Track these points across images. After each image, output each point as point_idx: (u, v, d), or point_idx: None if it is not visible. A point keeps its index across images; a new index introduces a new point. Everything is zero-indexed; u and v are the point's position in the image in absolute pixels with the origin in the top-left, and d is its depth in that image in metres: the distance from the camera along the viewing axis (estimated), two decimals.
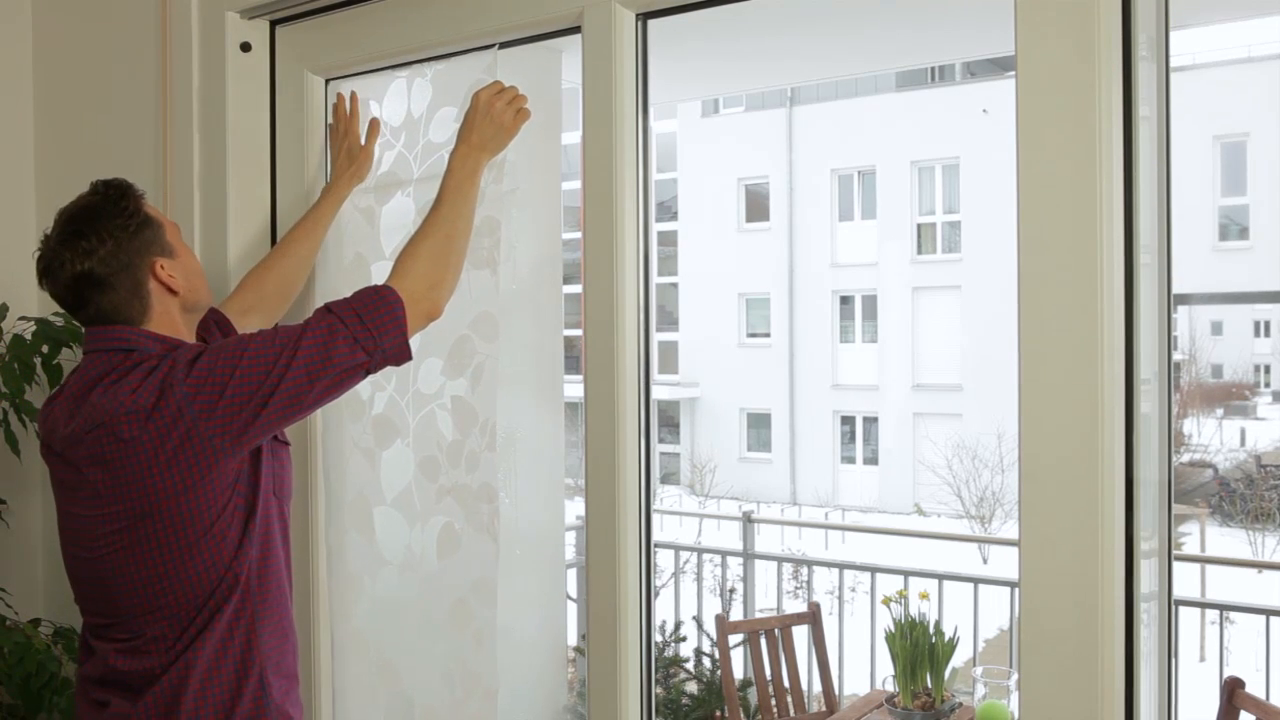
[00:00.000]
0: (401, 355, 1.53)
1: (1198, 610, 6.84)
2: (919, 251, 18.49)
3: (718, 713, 4.22)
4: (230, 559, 1.50)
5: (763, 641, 3.98)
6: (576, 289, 1.75)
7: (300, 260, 1.92)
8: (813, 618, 4.22)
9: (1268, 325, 17.76)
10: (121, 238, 1.51)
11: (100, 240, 1.50)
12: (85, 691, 1.58)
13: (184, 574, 1.48)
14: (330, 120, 2.04)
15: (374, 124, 1.97)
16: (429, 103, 1.92)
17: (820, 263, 19.20)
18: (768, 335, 19.93)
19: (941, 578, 4.75)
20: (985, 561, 12.51)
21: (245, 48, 2.10)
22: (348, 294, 1.92)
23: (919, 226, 18.51)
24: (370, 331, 1.49)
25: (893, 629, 3.23)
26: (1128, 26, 1.28)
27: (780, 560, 5.96)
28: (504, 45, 1.82)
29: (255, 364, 1.45)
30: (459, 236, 1.61)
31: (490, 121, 1.66)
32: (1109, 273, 1.26)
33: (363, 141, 1.97)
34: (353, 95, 2.00)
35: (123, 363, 1.49)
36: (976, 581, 4.76)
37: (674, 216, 20.67)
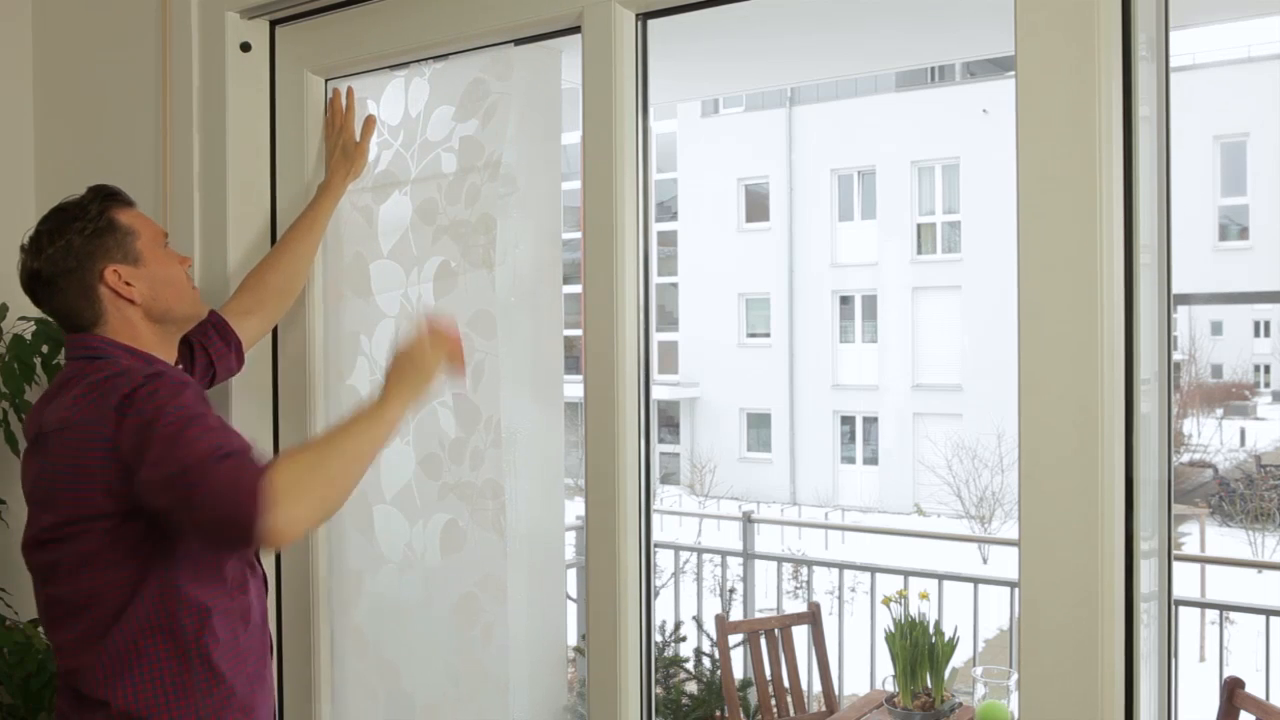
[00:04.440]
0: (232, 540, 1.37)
1: (1198, 610, 6.83)
2: (919, 251, 18.49)
3: (718, 713, 4.22)
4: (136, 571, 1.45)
5: (763, 641, 3.98)
6: (576, 289, 1.75)
7: (301, 260, 1.92)
8: (813, 618, 4.22)
9: (1268, 325, 17.76)
10: (75, 240, 1.52)
11: (51, 241, 1.53)
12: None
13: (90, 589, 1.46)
14: (326, 115, 2.04)
15: (370, 121, 1.98)
16: (426, 101, 1.92)
17: (820, 263, 19.19)
18: (768, 335, 19.92)
19: (941, 578, 4.75)
20: (985, 561, 12.50)
21: (245, 48, 2.10)
22: (346, 291, 1.93)
23: (919, 226, 18.50)
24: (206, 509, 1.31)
25: (893, 629, 3.23)
26: (1128, 26, 1.28)
27: (780, 560, 5.96)
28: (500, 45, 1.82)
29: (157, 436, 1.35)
30: (351, 467, 1.39)
31: (410, 357, 1.48)
32: (1109, 273, 1.26)
33: (357, 139, 1.98)
34: (349, 91, 2.00)
35: (85, 369, 1.50)
36: (976, 581, 4.76)
37: (674, 216, 20.67)
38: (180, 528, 1.41)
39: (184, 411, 1.37)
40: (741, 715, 3.94)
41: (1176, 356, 15.46)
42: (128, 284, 1.54)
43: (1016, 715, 2.31)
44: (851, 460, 19.40)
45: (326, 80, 2.07)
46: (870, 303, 18.95)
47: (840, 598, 5.00)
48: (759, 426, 20.13)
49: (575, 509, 3.85)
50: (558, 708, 1.96)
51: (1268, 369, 18.09)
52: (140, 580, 1.45)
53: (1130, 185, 1.28)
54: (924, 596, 4.00)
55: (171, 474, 1.32)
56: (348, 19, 1.99)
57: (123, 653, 1.45)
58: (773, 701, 3.96)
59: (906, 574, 4.74)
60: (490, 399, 1.81)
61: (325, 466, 1.34)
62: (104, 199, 1.57)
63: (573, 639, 4.33)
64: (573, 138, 1.85)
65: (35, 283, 1.55)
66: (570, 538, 4.91)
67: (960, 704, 3.23)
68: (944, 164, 17.95)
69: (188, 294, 1.63)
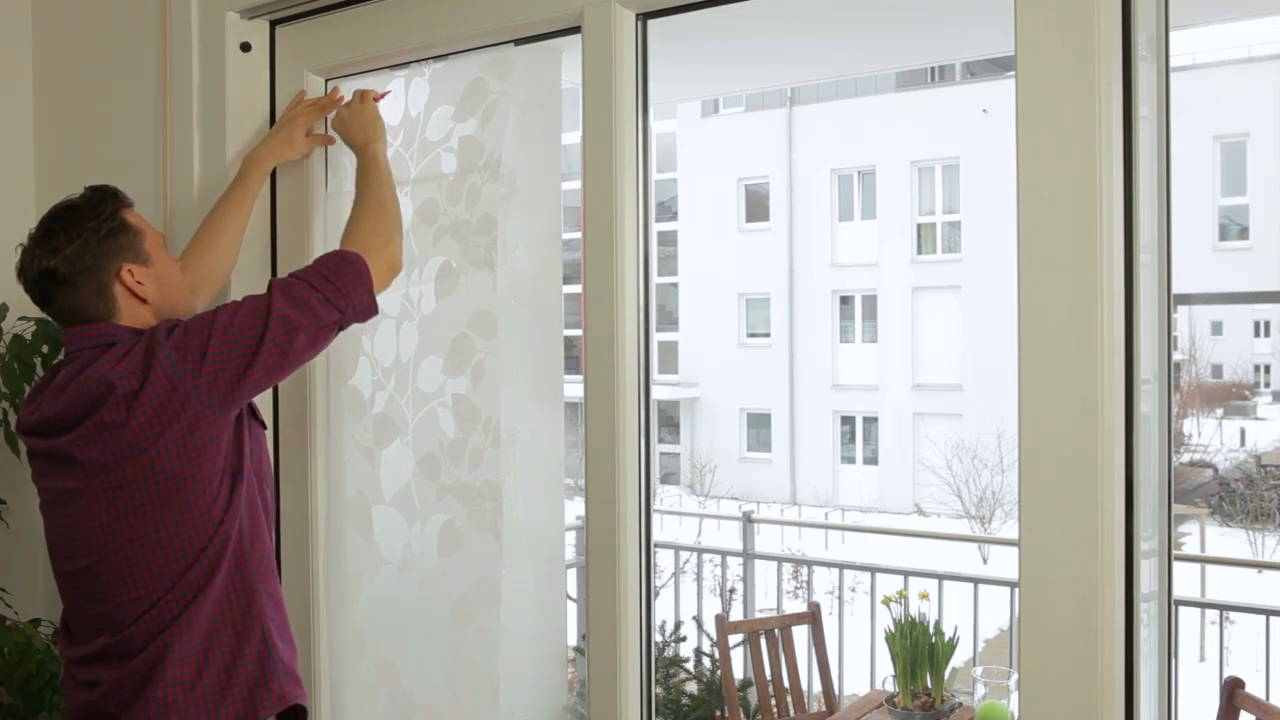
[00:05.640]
0: (369, 310, 1.62)
1: (1198, 610, 6.84)
2: (919, 251, 18.49)
3: (718, 713, 4.22)
4: (217, 522, 1.53)
5: (763, 641, 3.98)
6: (576, 289, 1.75)
7: (235, 238, 1.93)
8: (813, 618, 4.22)
9: (1268, 325, 17.76)
10: (91, 240, 1.55)
11: (68, 239, 1.54)
12: (72, 674, 1.60)
13: (169, 531, 1.50)
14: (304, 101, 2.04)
15: (330, 138, 1.97)
16: (426, 101, 1.92)
17: (820, 263, 19.19)
18: (768, 335, 19.92)
19: (941, 578, 4.75)
20: (985, 561, 12.51)
21: (245, 48, 2.10)
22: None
23: (919, 226, 18.50)
24: (339, 290, 1.57)
25: (893, 629, 3.23)
26: (1128, 26, 1.28)
27: (780, 560, 5.96)
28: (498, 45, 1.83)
29: (230, 326, 1.51)
30: (387, 201, 1.73)
31: (348, 125, 1.83)
32: (1109, 273, 1.26)
33: (304, 135, 1.98)
34: (333, 91, 2.00)
35: (98, 356, 1.53)
36: (976, 581, 4.76)
37: (674, 216, 20.67)
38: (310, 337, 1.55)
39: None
40: (741, 715, 3.94)
41: (1176, 356, 15.47)
42: (140, 283, 1.58)
43: (1016, 715, 2.31)
44: (851, 460, 19.40)
45: (326, 80, 2.06)
46: (870, 303, 18.94)
47: (840, 598, 5.00)
48: (759, 426, 20.12)
49: (575, 509, 3.85)
50: (558, 708, 1.96)
51: (1268, 369, 18.09)
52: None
53: (1130, 185, 1.28)
54: (924, 596, 4.00)
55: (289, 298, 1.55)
56: (348, 19, 1.99)
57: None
58: (773, 701, 3.96)
59: (906, 574, 4.74)
60: (490, 399, 1.81)
61: (381, 214, 1.69)
62: (112, 199, 1.59)
63: (573, 639, 4.33)
64: (573, 138, 1.85)
65: (49, 281, 1.56)
66: (570, 538, 4.91)
67: (960, 704, 3.23)
68: (944, 164, 17.95)
69: (186, 293, 1.70)
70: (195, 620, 1.51)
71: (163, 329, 1.52)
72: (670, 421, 20.74)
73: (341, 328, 1.60)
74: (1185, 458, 15.93)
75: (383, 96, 1.89)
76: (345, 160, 2.02)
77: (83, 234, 1.54)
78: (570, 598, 4.53)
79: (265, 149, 1.97)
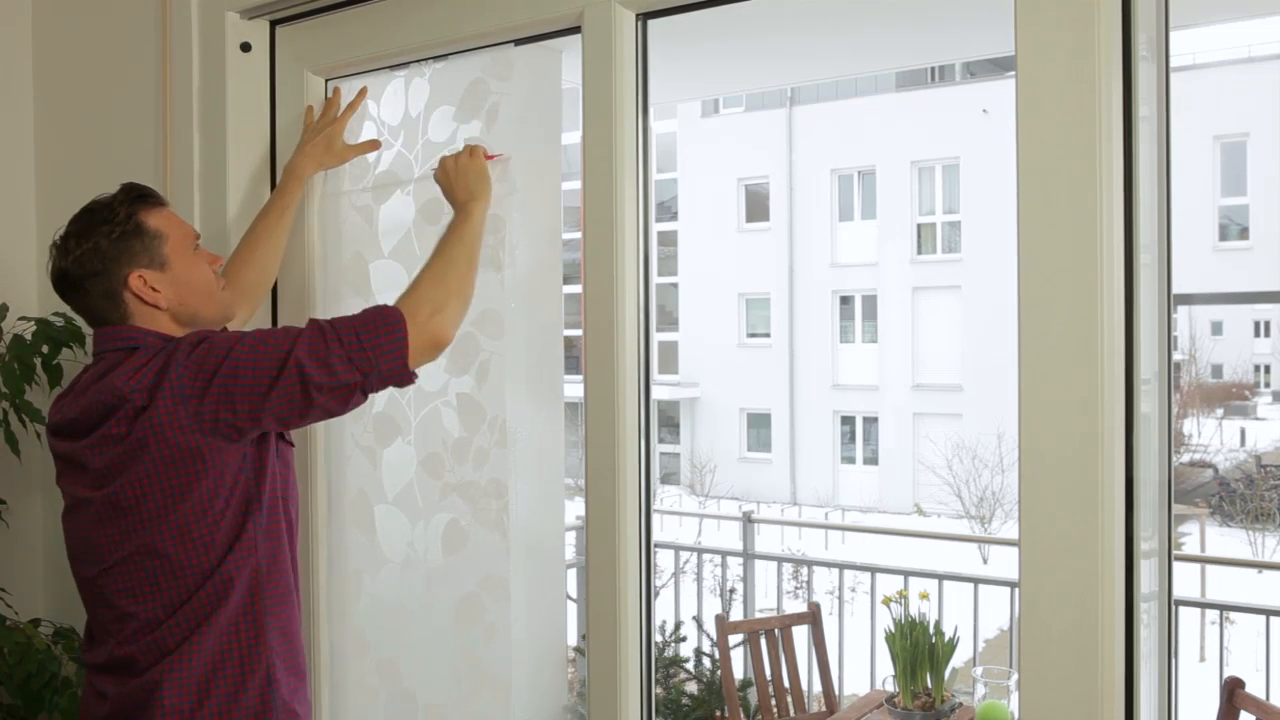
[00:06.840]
0: (400, 377, 1.50)
1: (1198, 610, 6.85)
2: (919, 251, 18.49)
3: (718, 713, 4.23)
4: (223, 548, 1.50)
5: (763, 641, 3.98)
6: (576, 289, 1.75)
7: (276, 248, 1.91)
8: (813, 618, 4.22)
9: (1268, 325, 17.75)
10: (102, 244, 1.53)
11: (78, 243, 1.53)
12: (90, 681, 1.60)
13: (168, 551, 1.48)
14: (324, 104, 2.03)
15: (375, 144, 1.95)
16: (427, 101, 1.92)
17: (820, 263, 19.19)
18: (768, 335, 19.93)
19: (941, 578, 4.75)
20: (985, 561, 12.51)
21: (245, 48, 2.10)
22: (346, 291, 1.91)
23: (919, 226, 18.50)
24: (366, 351, 1.46)
25: (893, 629, 3.23)
26: (1128, 26, 1.28)
27: (780, 560, 5.97)
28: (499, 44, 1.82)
29: (244, 361, 1.45)
30: (456, 266, 1.59)
31: (452, 179, 1.69)
32: (1109, 273, 1.26)
33: (348, 141, 1.96)
34: (362, 92, 1.98)
35: (122, 359, 1.52)
36: (976, 581, 4.76)
37: (674, 216, 20.67)
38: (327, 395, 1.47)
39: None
40: (741, 715, 3.94)
41: (1176, 356, 15.47)
42: (153, 289, 1.54)
43: (1016, 715, 2.31)
44: (851, 460, 19.40)
45: (326, 80, 2.07)
46: (870, 303, 18.95)
47: (840, 598, 5.00)
48: (759, 426, 20.13)
49: (575, 509, 3.85)
50: (558, 708, 1.96)
51: (1268, 369, 18.09)
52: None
53: (1130, 185, 1.28)
54: (924, 596, 4.00)
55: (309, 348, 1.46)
56: (348, 19, 1.99)
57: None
58: (773, 701, 3.96)
59: (906, 574, 4.75)
60: (495, 399, 1.81)
61: (442, 280, 1.56)
62: (133, 201, 1.56)
63: (573, 639, 4.34)
64: (573, 138, 1.85)
65: (63, 283, 1.56)
66: (570, 538, 4.91)
67: (960, 704, 3.23)
68: (944, 164, 17.95)
69: (215, 296, 1.64)
70: (199, 650, 1.49)
71: (188, 342, 1.48)
72: (670, 421, 20.74)
73: (365, 390, 1.49)
74: (1185, 458, 15.93)
75: (493, 157, 1.76)
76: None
77: (94, 237, 1.52)
78: (570, 598, 4.53)
79: (305, 157, 1.94)
